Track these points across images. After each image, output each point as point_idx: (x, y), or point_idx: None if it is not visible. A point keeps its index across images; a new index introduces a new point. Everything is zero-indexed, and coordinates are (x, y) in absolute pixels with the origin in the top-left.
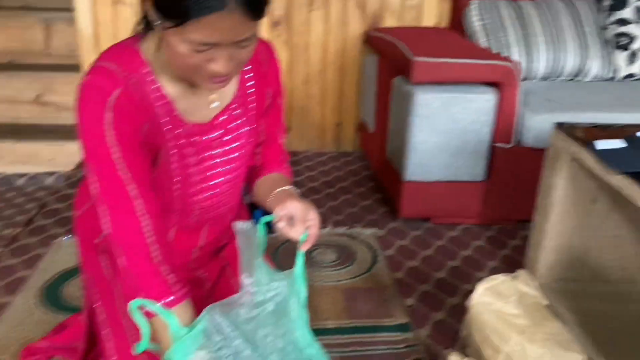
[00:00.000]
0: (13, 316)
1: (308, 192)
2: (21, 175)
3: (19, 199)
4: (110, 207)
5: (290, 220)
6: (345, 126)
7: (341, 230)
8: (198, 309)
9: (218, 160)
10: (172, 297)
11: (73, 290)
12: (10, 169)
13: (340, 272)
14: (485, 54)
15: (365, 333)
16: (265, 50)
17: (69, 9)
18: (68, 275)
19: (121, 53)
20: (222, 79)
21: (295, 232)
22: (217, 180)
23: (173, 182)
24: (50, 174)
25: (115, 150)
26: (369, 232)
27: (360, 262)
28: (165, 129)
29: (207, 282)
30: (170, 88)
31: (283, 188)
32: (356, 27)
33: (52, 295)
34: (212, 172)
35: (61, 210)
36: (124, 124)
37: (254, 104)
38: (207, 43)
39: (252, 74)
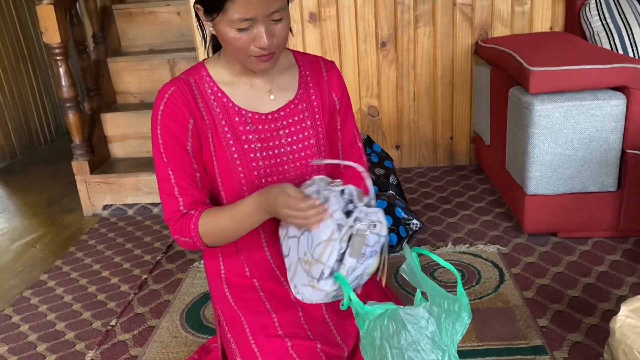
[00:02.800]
0: (161, 339)
1: (424, 209)
2: (157, 205)
3: (156, 226)
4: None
5: None
6: (458, 140)
7: (462, 248)
8: None
9: (283, 150)
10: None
11: (211, 313)
12: (147, 199)
13: (465, 292)
14: (610, 56)
15: (499, 356)
16: (326, 62)
17: (191, 49)
18: (206, 298)
19: (191, 67)
20: (267, 57)
21: None
22: (283, 169)
23: (236, 166)
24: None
25: (159, 136)
26: (492, 249)
27: (485, 282)
28: (220, 117)
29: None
30: (226, 85)
31: None
32: (464, 39)
33: (193, 318)
34: (277, 160)
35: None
36: (172, 113)
37: (317, 102)
38: (246, 19)
39: (311, 77)
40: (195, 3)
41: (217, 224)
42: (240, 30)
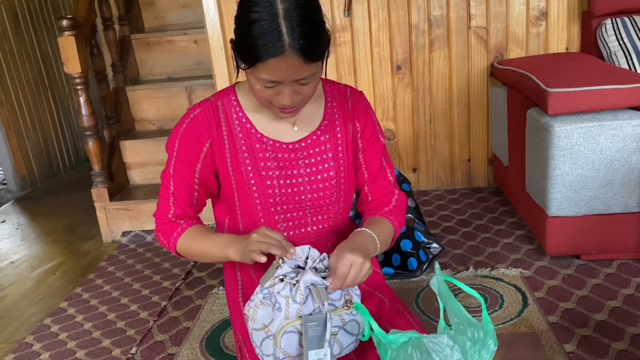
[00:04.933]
0: None
1: (443, 232)
2: None
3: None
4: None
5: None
6: (475, 162)
7: (484, 271)
8: None
9: (300, 180)
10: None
11: (231, 340)
12: None
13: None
14: (629, 76)
15: None
16: (353, 93)
17: (208, 77)
18: (226, 324)
19: (223, 90)
20: (289, 110)
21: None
22: (300, 198)
23: (253, 192)
24: None
25: (175, 149)
26: (514, 272)
27: (508, 306)
28: (242, 142)
29: None
30: (251, 112)
31: (355, 231)
32: (480, 62)
33: (213, 345)
34: (293, 190)
35: (213, 263)
36: (191, 133)
37: (341, 134)
38: (272, 81)
39: (337, 108)
40: (231, 43)
41: (192, 247)
42: (266, 87)
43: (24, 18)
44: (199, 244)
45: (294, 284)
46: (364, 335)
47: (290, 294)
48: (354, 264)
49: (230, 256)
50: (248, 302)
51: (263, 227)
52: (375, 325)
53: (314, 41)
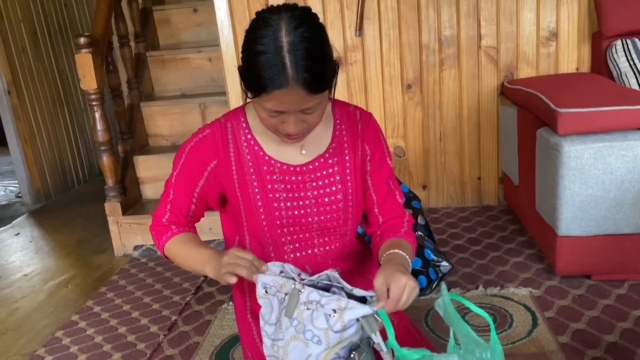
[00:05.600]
0: None
1: (453, 250)
2: None
3: None
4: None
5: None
6: (485, 180)
7: (493, 290)
8: None
9: (307, 202)
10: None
11: (240, 356)
12: None
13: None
14: (639, 96)
15: None
16: (363, 115)
17: (221, 94)
18: (235, 340)
19: (233, 110)
20: (294, 137)
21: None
22: (307, 221)
23: (260, 214)
24: (211, 241)
25: (180, 164)
26: (524, 291)
27: (518, 326)
28: (250, 164)
29: None
30: (260, 134)
31: (389, 253)
32: (490, 81)
33: None
34: (300, 212)
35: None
36: (197, 152)
37: (350, 156)
38: (277, 111)
39: (346, 131)
40: (238, 69)
41: (177, 255)
42: (271, 115)
43: (42, 35)
44: (183, 253)
45: (331, 314)
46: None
47: (328, 325)
48: (407, 286)
49: (207, 273)
50: (271, 342)
51: (234, 248)
52: (392, 336)
53: (318, 74)
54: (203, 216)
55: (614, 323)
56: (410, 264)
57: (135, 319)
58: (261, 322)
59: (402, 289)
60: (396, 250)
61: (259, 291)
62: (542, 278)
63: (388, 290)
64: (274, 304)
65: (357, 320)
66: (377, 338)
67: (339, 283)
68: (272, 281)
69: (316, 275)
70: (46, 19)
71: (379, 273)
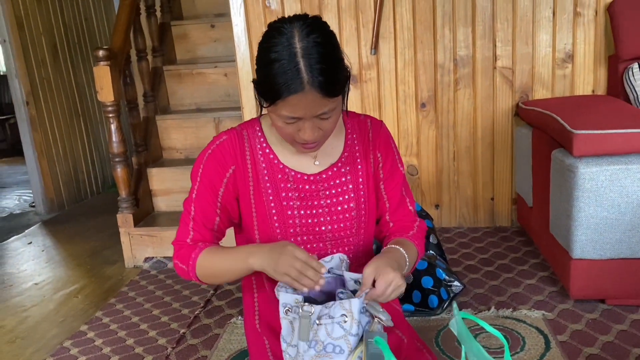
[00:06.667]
0: None
1: (465, 271)
2: None
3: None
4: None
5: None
6: (499, 201)
7: (505, 312)
8: None
9: (321, 210)
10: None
11: None
12: None
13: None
14: None
15: None
16: (374, 123)
17: (236, 108)
18: (243, 355)
19: (248, 121)
20: (310, 145)
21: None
22: (320, 229)
23: (274, 222)
24: None
25: (199, 175)
26: (537, 314)
27: (530, 349)
28: (265, 172)
29: None
30: (275, 143)
31: (389, 246)
32: (505, 102)
33: None
34: (314, 220)
35: (233, 292)
36: (216, 159)
37: (362, 165)
38: (293, 117)
39: (358, 140)
40: (253, 83)
41: (211, 266)
42: (287, 123)
43: (62, 48)
44: (218, 258)
45: (343, 321)
46: None
47: (346, 331)
48: (394, 282)
49: (253, 265)
50: None
51: (284, 242)
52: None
53: (333, 77)
54: (225, 234)
55: (628, 349)
56: (408, 263)
57: (144, 331)
58: (283, 345)
59: (388, 283)
60: (397, 247)
61: (281, 310)
62: (556, 301)
63: (375, 281)
64: (295, 325)
65: (365, 310)
66: (384, 315)
67: (340, 270)
68: (293, 300)
69: (329, 257)
70: (66, 32)
71: (371, 262)
